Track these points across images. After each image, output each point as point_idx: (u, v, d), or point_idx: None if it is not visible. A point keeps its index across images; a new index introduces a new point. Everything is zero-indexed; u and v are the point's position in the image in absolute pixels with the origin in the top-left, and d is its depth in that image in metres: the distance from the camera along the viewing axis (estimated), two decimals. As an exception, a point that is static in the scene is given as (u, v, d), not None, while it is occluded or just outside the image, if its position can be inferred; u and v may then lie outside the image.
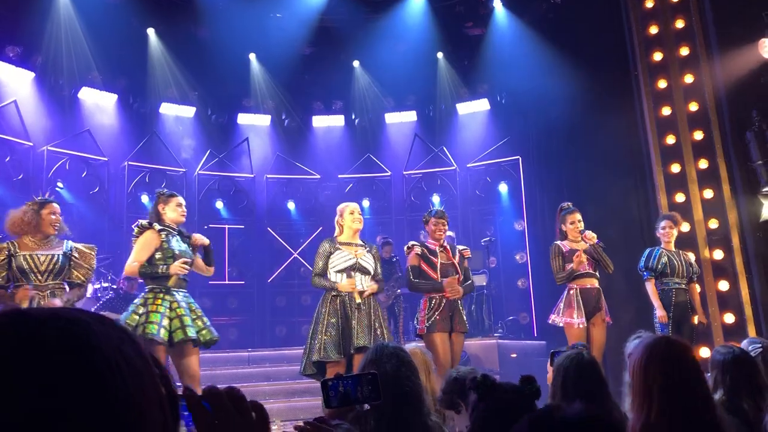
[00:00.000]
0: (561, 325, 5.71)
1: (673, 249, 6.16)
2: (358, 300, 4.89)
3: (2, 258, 4.61)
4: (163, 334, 4.45)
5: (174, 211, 4.89)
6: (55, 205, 4.85)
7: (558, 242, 5.89)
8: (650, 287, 6.00)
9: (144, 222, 4.84)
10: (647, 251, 6.13)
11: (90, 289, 8.02)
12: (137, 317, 4.50)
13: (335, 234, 5.21)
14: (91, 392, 0.60)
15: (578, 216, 5.84)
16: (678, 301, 5.94)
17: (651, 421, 1.78)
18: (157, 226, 4.78)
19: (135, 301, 4.73)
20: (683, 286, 6.02)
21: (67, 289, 4.80)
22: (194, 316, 4.72)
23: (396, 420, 2.29)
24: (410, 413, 2.34)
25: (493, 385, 1.82)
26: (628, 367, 2.52)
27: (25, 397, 0.57)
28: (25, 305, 4.41)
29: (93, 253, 4.96)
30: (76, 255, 4.85)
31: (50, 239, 4.78)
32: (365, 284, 5.02)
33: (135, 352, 0.66)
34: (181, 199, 4.99)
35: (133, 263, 4.66)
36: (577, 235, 5.79)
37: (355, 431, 1.89)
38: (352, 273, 4.97)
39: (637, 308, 6.99)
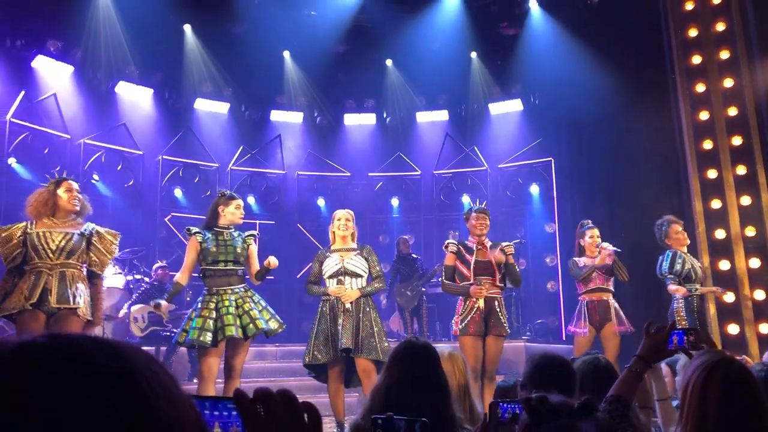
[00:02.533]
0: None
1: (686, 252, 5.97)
2: (347, 306, 5.03)
3: (18, 235, 4.55)
4: (203, 337, 4.68)
5: (233, 214, 5.06)
6: (71, 182, 4.75)
7: (576, 258, 6.16)
8: (677, 287, 5.74)
9: (189, 229, 5.10)
10: (669, 254, 5.83)
11: (122, 280, 8.14)
12: (190, 322, 4.80)
13: (330, 243, 5.39)
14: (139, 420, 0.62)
15: (597, 232, 6.14)
16: (699, 307, 5.83)
17: None
18: (194, 229, 5.04)
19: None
20: (699, 291, 5.89)
21: (85, 272, 4.73)
22: (240, 313, 4.83)
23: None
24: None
25: (548, 408, 1.75)
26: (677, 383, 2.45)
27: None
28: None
29: (115, 240, 4.86)
30: (96, 238, 4.75)
31: (72, 219, 4.70)
32: (355, 285, 5.12)
33: (166, 376, 0.67)
34: (241, 201, 5.14)
35: (181, 271, 5.01)
36: (595, 250, 6.05)
37: None
38: (342, 278, 5.10)
39: (663, 315, 6.87)
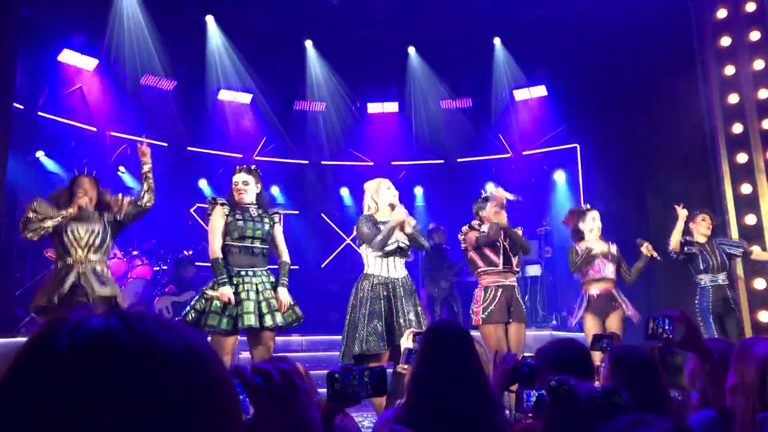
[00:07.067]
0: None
1: (704, 242, 6.05)
2: (409, 230, 4.65)
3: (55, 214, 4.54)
4: (223, 324, 4.36)
5: (235, 184, 4.72)
6: (83, 178, 4.77)
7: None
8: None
9: (215, 198, 4.73)
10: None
11: (149, 271, 8.24)
12: (203, 303, 4.45)
13: (370, 212, 4.81)
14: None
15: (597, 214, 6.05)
16: (717, 297, 5.79)
17: None
18: (220, 200, 4.66)
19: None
20: (720, 281, 5.86)
21: (108, 266, 4.75)
22: (260, 299, 4.47)
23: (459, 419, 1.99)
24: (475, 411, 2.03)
25: (569, 392, 1.72)
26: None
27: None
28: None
29: (121, 198, 4.88)
30: (111, 207, 4.80)
31: (91, 213, 4.72)
32: (398, 267, 4.72)
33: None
34: (237, 177, 4.72)
35: (214, 248, 4.53)
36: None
37: None
38: (394, 258, 4.69)
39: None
